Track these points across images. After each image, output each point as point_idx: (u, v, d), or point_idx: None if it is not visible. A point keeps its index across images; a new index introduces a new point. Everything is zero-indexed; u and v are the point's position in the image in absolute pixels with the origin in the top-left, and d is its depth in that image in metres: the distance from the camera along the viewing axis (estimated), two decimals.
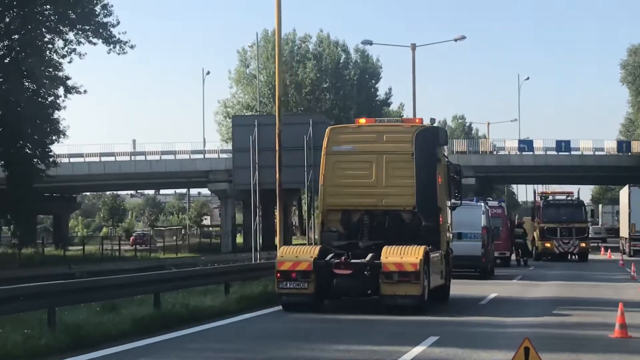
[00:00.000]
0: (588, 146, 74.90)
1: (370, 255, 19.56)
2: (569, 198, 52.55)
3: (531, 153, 75.01)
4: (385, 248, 19.33)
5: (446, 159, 23.15)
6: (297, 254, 19.64)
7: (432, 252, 20.50)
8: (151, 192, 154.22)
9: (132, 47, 49.76)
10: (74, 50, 48.77)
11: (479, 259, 32.65)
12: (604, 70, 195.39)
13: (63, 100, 49.93)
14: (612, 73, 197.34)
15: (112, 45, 48.95)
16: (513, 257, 46.19)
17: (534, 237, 51.85)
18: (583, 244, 50.00)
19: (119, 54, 49.42)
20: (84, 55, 49.15)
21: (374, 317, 18.48)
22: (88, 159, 71.48)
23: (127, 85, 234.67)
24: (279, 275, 19.35)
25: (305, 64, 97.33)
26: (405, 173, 21.36)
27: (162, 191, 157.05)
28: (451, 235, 24.06)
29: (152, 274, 18.35)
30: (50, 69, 49.01)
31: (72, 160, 70.96)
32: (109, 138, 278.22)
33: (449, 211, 23.13)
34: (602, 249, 61.81)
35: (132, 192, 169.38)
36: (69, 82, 49.48)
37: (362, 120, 22.72)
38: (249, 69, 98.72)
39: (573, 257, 50.59)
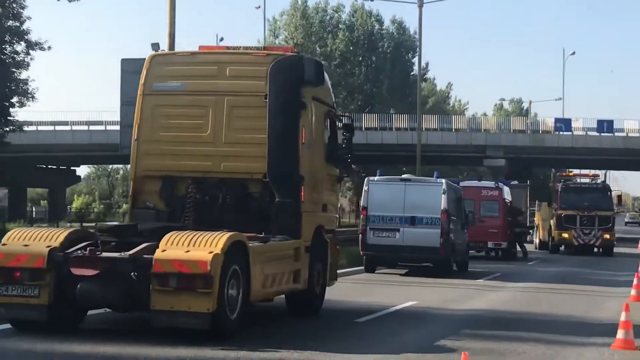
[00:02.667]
0: (634, 127, 66.79)
1: (143, 245, 12.36)
2: (592, 182, 44.90)
3: (569, 133, 67.17)
4: (168, 235, 12.08)
5: (328, 108, 15.87)
6: (29, 240, 12.42)
7: (266, 241, 13.50)
8: None
9: None
10: None
11: (437, 250, 25.20)
12: None
13: (31, 59, 44.23)
14: None
15: None
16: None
17: (550, 225, 44.31)
18: (607, 235, 42.13)
19: (70, 0, 43.07)
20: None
21: (136, 350, 11.48)
22: (75, 127, 65.13)
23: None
24: None
25: (336, 34, 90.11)
26: (256, 124, 14.37)
27: None
28: (334, 217, 16.71)
29: None
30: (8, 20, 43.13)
31: (58, 128, 64.87)
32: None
33: (325, 183, 15.85)
34: None
35: None
36: (32, 38, 43.67)
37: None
38: (278, 40, 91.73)
39: (597, 249, 43.08)
